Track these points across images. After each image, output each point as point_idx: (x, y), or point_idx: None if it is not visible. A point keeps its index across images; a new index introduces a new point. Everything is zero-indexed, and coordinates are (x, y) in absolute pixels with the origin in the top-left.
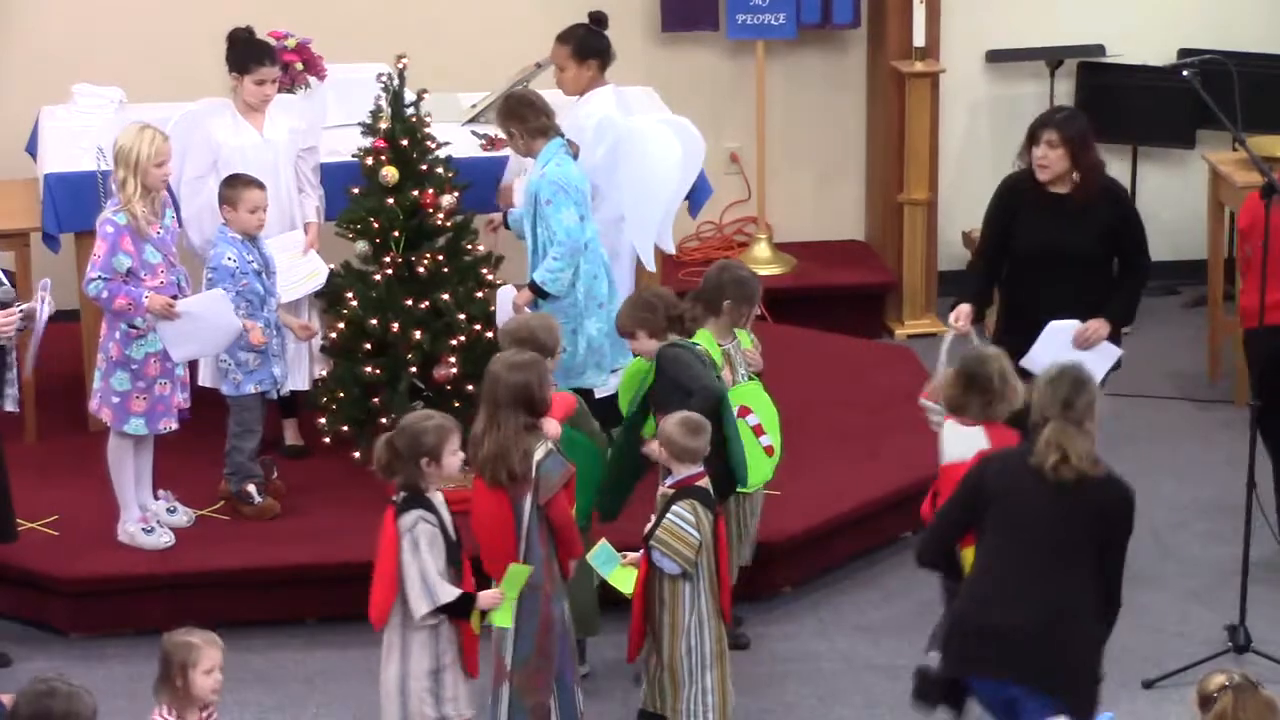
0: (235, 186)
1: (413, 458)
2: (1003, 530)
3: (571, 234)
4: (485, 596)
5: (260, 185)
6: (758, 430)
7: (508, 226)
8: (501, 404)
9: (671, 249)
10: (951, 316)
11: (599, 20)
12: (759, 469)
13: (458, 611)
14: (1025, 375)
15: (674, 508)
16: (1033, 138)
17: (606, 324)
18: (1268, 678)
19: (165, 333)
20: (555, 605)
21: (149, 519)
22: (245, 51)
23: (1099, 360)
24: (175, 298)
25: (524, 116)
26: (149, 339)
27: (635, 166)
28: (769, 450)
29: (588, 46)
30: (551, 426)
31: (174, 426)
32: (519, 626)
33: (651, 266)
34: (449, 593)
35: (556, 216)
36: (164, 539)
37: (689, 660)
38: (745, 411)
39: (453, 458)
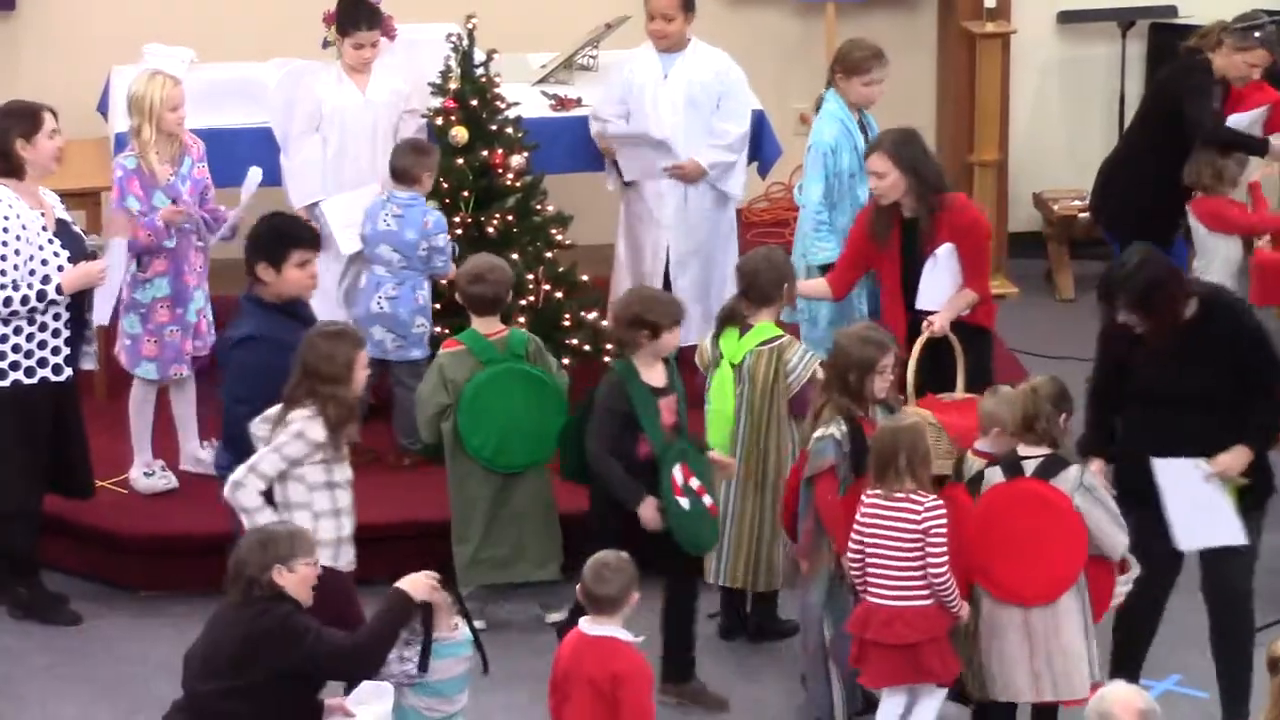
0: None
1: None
2: None
3: None
4: None
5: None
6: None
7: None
8: (833, 368)
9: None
10: None
11: None
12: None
13: None
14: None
15: None
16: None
17: None
18: None
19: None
20: (811, 589)
21: (150, 464)
22: (347, 14)
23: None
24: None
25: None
26: (154, 284)
27: None
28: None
29: None
30: None
31: (185, 373)
32: None
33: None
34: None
35: None
36: (160, 482)
37: None
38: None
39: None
